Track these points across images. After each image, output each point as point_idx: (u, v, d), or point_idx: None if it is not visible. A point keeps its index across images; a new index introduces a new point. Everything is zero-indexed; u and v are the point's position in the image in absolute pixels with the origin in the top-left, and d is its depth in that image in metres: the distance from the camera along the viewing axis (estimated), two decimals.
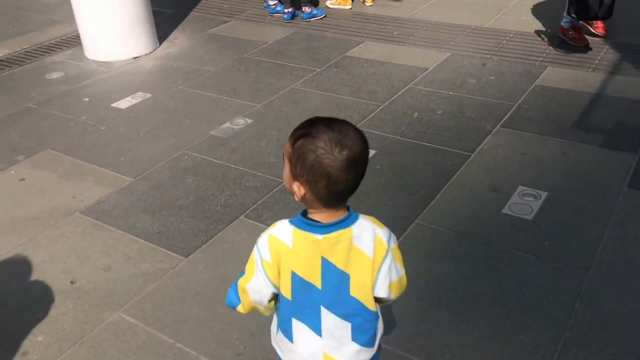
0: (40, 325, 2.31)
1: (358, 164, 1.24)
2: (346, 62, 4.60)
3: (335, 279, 1.32)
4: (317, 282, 1.32)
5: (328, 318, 1.35)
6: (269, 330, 1.53)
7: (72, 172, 3.30)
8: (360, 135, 1.25)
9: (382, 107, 3.87)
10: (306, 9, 5.50)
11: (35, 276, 2.56)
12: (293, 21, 5.52)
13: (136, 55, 4.86)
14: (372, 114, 3.79)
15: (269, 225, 1.38)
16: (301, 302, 1.35)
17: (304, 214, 1.32)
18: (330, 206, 1.28)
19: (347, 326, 1.36)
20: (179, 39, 5.27)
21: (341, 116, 3.82)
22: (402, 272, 1.39)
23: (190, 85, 4.34)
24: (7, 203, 3.07)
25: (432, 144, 3.40)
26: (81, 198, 3.07)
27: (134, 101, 4.12)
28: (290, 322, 1.39)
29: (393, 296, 1.39)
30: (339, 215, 1.30)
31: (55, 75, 4.60)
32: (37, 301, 2.43)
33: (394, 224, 2.62)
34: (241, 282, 1.41)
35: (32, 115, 3.99)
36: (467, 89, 4.02)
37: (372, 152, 3.32)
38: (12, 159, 3.46)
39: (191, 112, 3.93)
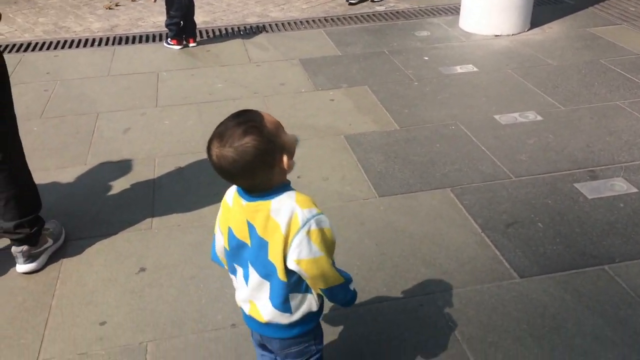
0: None
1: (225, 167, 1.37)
2: None
3: (257, 241, 1.48)
4: (247, 240, 1.51)
5: (253, 273, 1.53)
6: None
7: (366, 106, 3.96)
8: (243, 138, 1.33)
9: None
10: None
11: None
12: None
13: (498, 34, 5.09)
14: None
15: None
16: (236, 254, 1.57)
17: None
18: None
19: (266, 285, 1.52)
20: (552, 29, 5.22)
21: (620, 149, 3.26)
22: (320, 254, 1.43)
23: (517, 71, 4.40)
24: (309, 110, 3.96)
25: None
26: (354, 126, 3.71)
27: (460, 71, 4.46)
28: (234, 268, 1.62)
29: (306, 274, 1.45)
30: (263, 188, 1.44)
31: (423, 33, 5.26)
32: None
33: None
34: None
35: (380, 58, 4.77)
36: None
37: None
38: (338, 84, 4.33)
39: (495, 93, 4.06)
